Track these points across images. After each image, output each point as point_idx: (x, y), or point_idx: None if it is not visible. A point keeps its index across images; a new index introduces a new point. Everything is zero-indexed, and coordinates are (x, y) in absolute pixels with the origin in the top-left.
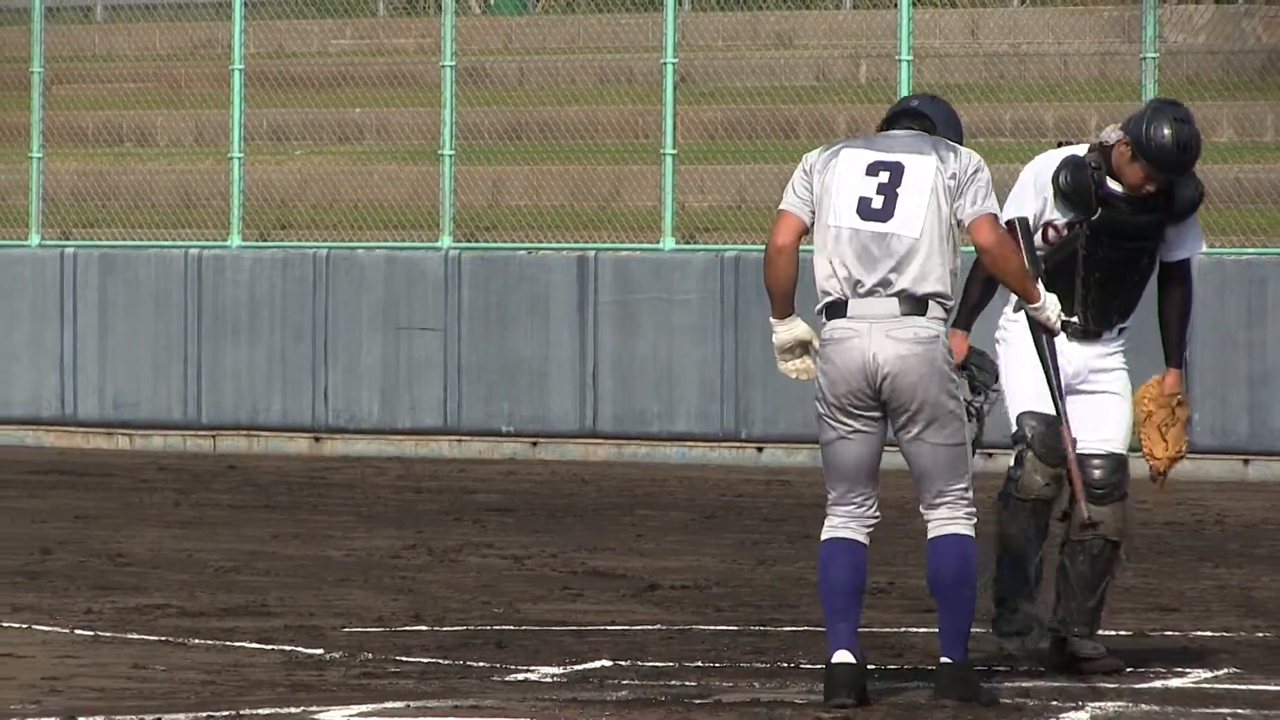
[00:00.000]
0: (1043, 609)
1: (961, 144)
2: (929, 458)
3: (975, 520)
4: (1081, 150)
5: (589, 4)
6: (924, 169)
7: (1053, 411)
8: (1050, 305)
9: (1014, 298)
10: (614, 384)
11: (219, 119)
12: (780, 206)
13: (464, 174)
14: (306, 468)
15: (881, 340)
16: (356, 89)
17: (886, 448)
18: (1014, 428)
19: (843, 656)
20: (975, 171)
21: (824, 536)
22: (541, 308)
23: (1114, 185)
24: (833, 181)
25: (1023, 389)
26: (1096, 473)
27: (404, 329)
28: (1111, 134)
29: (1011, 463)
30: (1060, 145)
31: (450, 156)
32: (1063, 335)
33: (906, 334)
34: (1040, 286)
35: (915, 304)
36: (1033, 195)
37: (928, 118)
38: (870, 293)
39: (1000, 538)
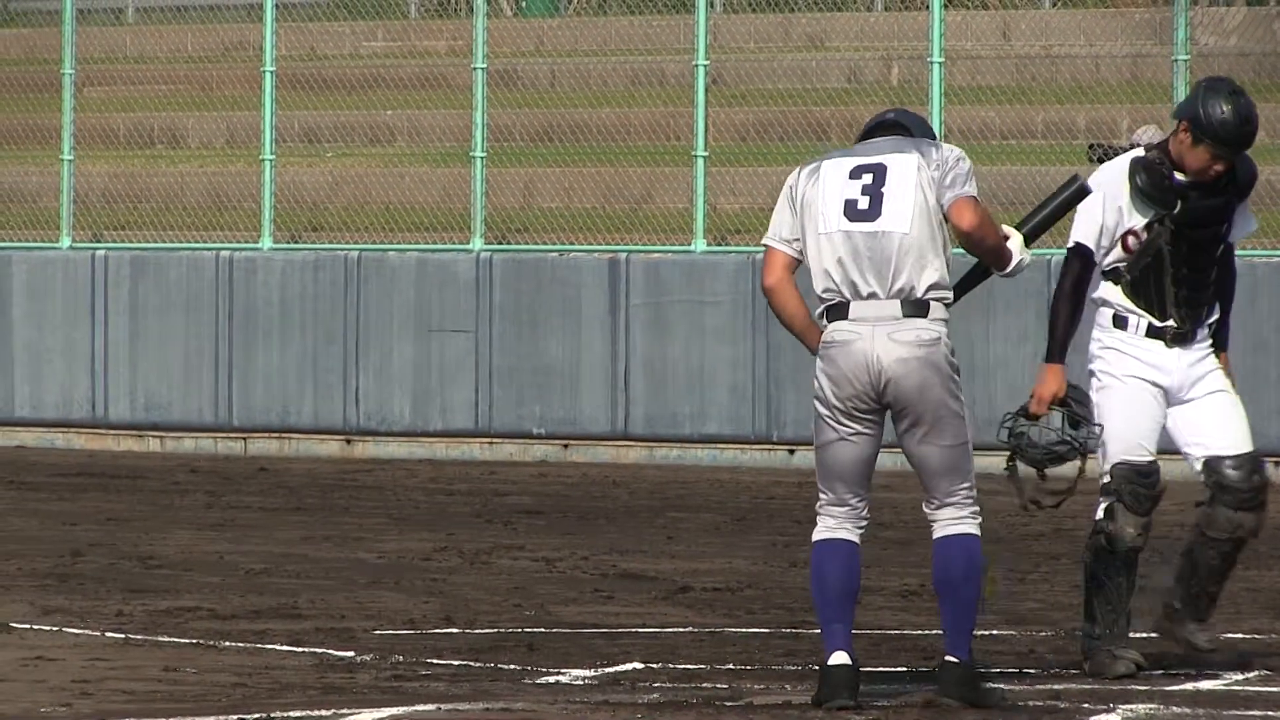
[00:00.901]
0: (1135, 653)
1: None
2: (935, 460)
3: (980, 520)
4: (1134, 152)
5: (620, 6)
6: (906, 166)
7: (1145, 460)
8: (1017, 245)
9: (1102, 322)
10: (645, 386)
11: (250, 121)
12: (765, 239)
13: (495, 176)
14: (337, 470)
15: (884, 343)
16: (388, 91)
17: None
18: (1106, 478)
19: (840, 658)
20: (958, 160)
21: (817, 538)
22: (573, 310)
23: (1180, 176)
24: (817, 194)
25: (1117, 436)
26: (1235, 473)
27: (435, 331)
28: (1144, 134)
29: (1100, 514)
30: (1091, 147)
31: (482, 159)
32: (1156, 343)
33: (909, 336)
34: (1011, 242)
35: (916, 306)
36: (1102, 209)
37: (904, 126)
38: (870, 295)
39: (1093, 587)
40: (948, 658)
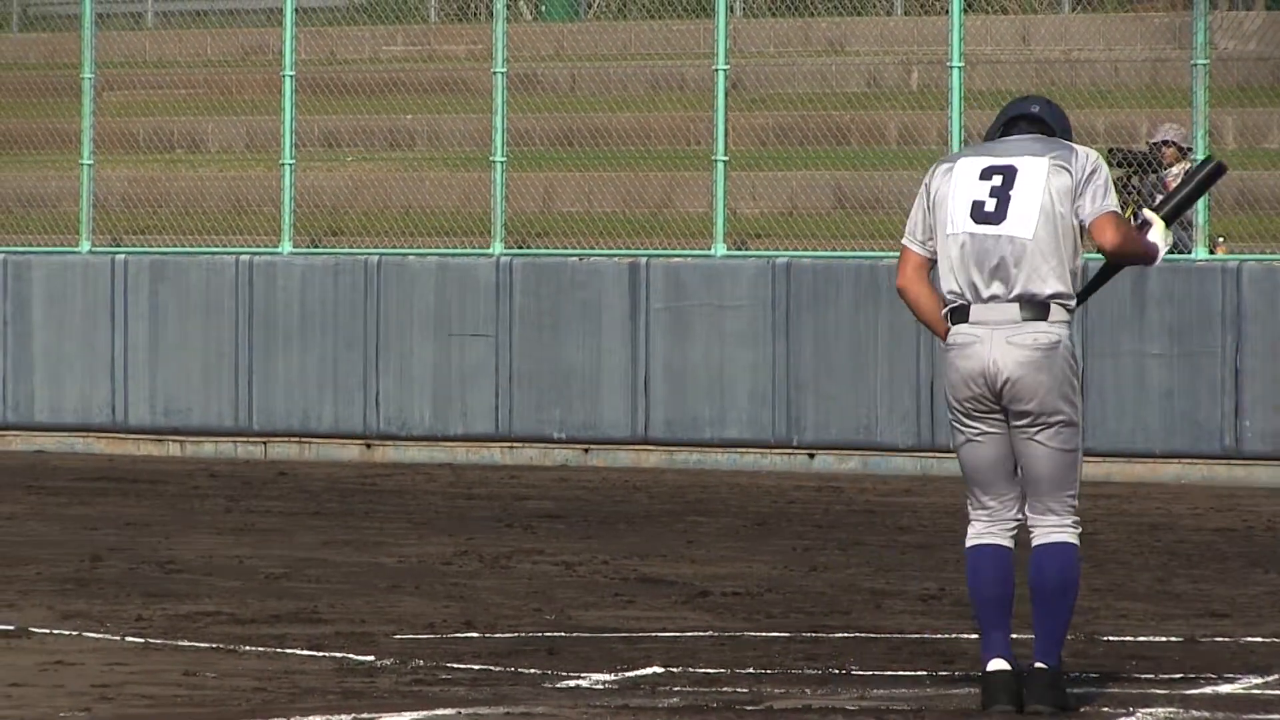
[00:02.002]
0: None
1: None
2: (1043, 462)
3: (1080, 530)
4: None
5: (640, 10)
6: (1037, 170)
7: None
8: (1159, 235)
9: None
10: (665, 390)
11: (270, 125)
12: (903, 240)
13: (515, 180)
14: (357, 474)
15: (1002, 346)
16: (408, 95)
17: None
18: None
19: (998, 665)
20: (1093, 171)
21: (969, 543)
22: (593, 314)
23: None
24: (948, 191)
25: None
26: None
27: (455, 335)
28: (1165, 132)
29: None
30: (1111, 151)
31: (502, 163)
32: None
33: (1027, 340)
34: (1152, 231)
35: (1037, 308)
36: None
37: (1045, 122)
38: (992, 298)
39: None
40: (1037, 664)
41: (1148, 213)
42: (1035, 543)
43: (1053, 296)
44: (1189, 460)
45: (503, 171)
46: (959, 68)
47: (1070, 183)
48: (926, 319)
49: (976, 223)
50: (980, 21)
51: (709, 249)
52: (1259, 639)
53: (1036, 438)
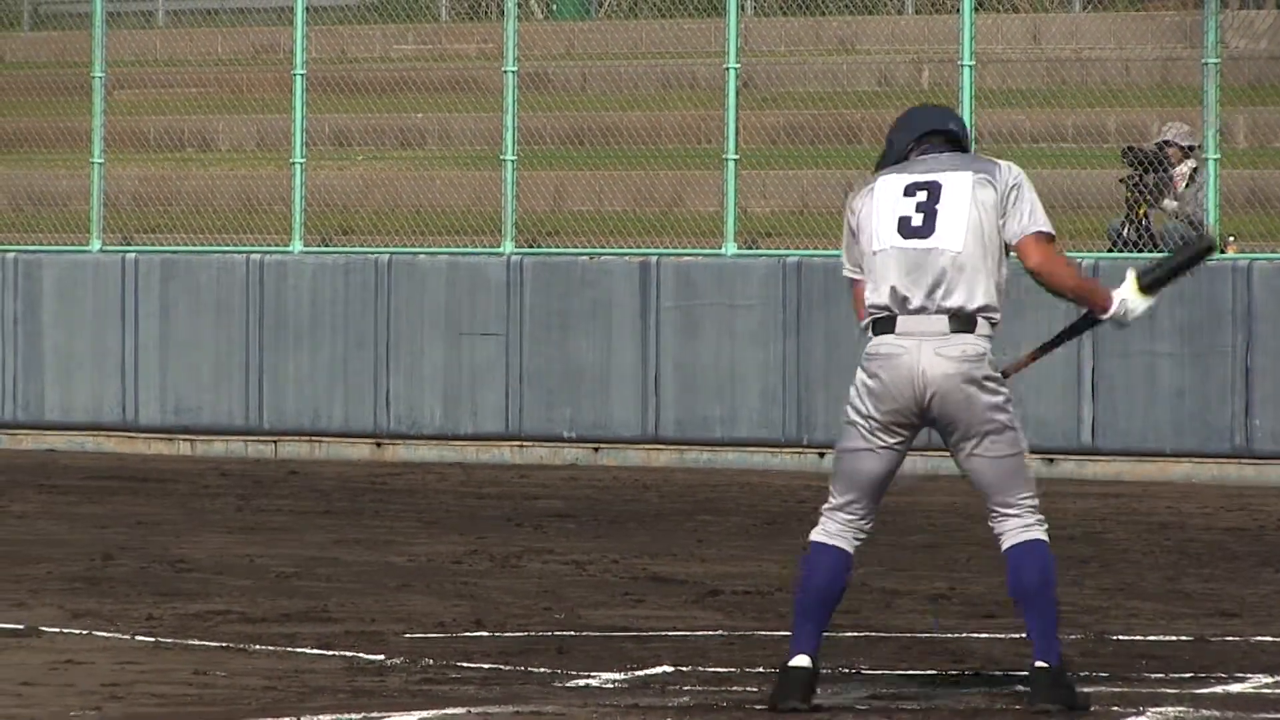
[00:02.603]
0: None
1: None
2: (989, 472)
3: (1046, 527)
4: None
5: (651, 9)
6: (962, 184)
7: None
8: (1124, 306)
9: None
10: (676, 389)
11: (281, 124)
12: (844, 273)
13: (526, 179)
14: (368, 473)
15: (931, 357)
16: (418, 94)
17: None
18: None
19: (801, 661)
20: (1016, 185)
21: (814, 538)
22: (603, 313)
23: None
24: (872, 210)
25: None
26: None
27: (466, 334)
28: (1173, 131)
29: None
30: (1124, 151)
31: (512, 162)
32: None
33: (955, 351)
34: (1114, 290)
35: (964, 321)
36: None
37: (960, 141)
38: (919, 309)
39: None
40: (1037, 663)
41: (1130, 272)
42: (1007, 545)
43: (980, 310)
44: (1199, 459)
45: (513, 170)
46: (970, 66)
47: (995, 196)
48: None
49: (905, 238)
50: (991, 20)
51: (720, 248)
52: (1269, 638)
53: (975, 451)
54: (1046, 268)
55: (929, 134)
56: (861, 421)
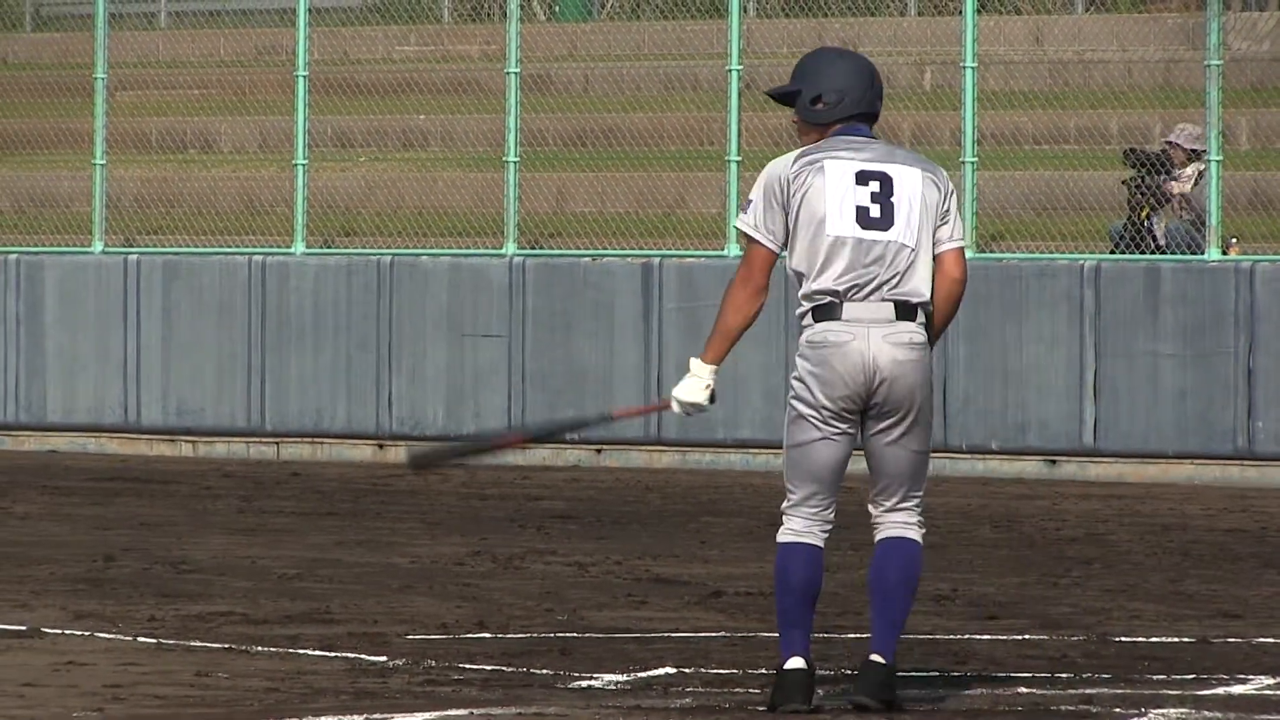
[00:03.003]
0: None
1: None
2: (904, 463)
3: (925, 530)
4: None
5: (654, 10)
6: (912, 181)
7: None
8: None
9: None
10: None
11: (283, 125)
12: (750, 232)
13: (528, 181)
14: (370, 475)
15: (879, 344)
16: (421, 95)
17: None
18: None
19: (796, 663)
20: (951, 194)
21: (783, 540)
22: (606, 315)
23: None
24: (821, 189)
25: None
26: None
27: (468, 336)
28: (1180, 134)
29: None
30: (1126, 153)
31: (515, 163)
32: None
33: (903, 338)
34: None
35: (907, 310)
36: None
37: (876, 117)
38: (867, 297)
39: None
40: (873, 657)
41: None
42: (880, 537)
43: (921, 304)
44: (1202, 461)
45: (516, 172)
46: (972, 68)
47: (938, 198)
48: (741, 327)
49: (863, 228)
50: (993, 22)
51: (722, 249)
52: (1272, 640)
53: (900, 441)
54: (963, 284)
55: (858, 117)
56: (812, 412)
